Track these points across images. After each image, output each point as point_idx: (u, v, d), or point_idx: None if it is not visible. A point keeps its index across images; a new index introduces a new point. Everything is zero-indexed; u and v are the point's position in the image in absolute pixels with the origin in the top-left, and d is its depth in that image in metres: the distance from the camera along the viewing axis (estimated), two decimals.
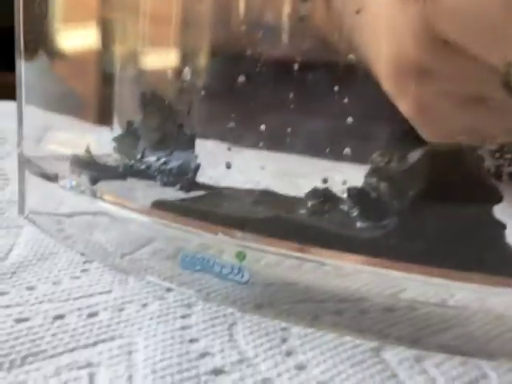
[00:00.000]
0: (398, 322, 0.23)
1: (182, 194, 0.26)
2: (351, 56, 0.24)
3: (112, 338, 0.20)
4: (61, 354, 0.19)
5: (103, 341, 0.20)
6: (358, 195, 0.23)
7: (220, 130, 0.27)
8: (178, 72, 0.28)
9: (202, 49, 0.29)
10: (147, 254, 0.26)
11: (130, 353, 0.20)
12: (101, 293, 0.23)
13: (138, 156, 0.28)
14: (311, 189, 0.24)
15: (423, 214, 0.21)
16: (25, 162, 0.31)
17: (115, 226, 0.27)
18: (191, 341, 0.21)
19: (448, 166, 0.21)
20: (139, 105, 0.28)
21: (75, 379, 0.18)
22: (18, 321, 0.21)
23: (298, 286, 0.24)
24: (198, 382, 0.18)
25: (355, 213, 0.23)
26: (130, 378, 0.18)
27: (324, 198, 0.24)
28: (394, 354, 0.21)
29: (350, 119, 0.24)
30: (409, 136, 0.24)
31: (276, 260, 0.24)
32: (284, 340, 0.21)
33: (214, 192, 0.26)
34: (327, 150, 0.25)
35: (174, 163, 0.27)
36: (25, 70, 0.31)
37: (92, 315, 0.22)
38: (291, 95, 0.25)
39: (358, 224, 0.22)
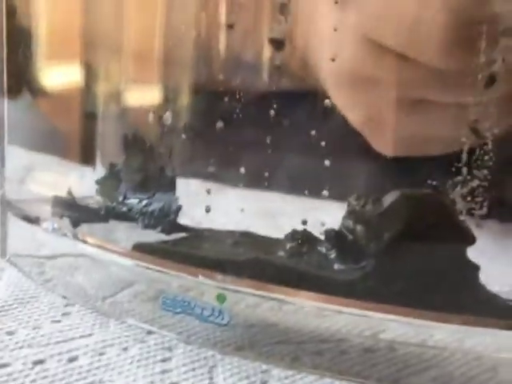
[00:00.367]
0: (378, 363, 0.23)
1: (163, 236, 0.27)
2: (327, 101, 0.24)
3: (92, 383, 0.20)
4: None
5: None
6: (335, 238, 0.23)
7: (201, 170, 0.27)
8: (160, 114, 0.28)
9: (184, 91, 0.29)
10: (128, 297, 0.26)
11: None
12: (81, 336, 0.23)
13: (120, 198, 0.28)
14: (290, 230, 0.25)
15: (399, 256, 0.21)
16: (7, 204, 0.31)
17: (96, 268, 0.28)
18: None
19: (422, 209, 0.21)
20: (121, 147, 0.29)
21: None
22: None
23: (279, 327, 0.24)
24: None
25: (333, 255, 0.23)
26: None
27: (302, 239, 0.24)
28: None
29: (327, 161, 0.24)
30: (384, 178, 0.24)
31: (256, 302, 0.24)
32: (264, 382, 0.21)
33: (195, 234, 0.26)
34: (306, 190, 0.26)
35: (156, 205, 0.27)
36: (7, 109, 0.31)
37: (72, 360, 0.22)
38: (270, 136, 0.26)
39: (336, 266, 0.23)
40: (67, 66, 0.33)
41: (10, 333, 0.23)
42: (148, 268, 0.25)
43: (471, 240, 0.21)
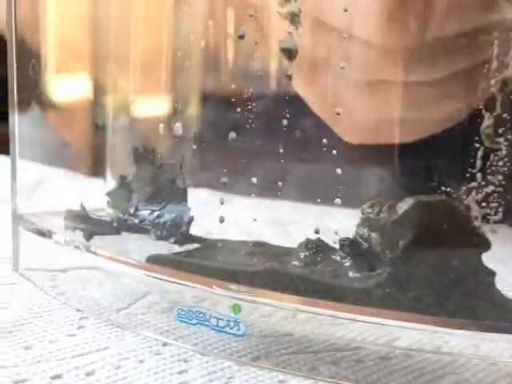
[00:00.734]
0: (395, 371, 0.23)
1: (176, 247, 0.27)
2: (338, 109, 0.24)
3: None
4: None
5: None
6: (349, 246, 0.23)
7: (213, 179, 0.27)
8: (170, 125, 0.28)
9: (194, 101, 0.29)
10: (143, 309, 0.26)
11: None
12: (97, 350, 0.23)
13: (132, 210, 0.28)
14: (304, 240, 0.25)
15: (414, 263, 0.21)
16: (18, 218, 0.31)
17: (110, 280, 0.28)
18: None
19: (436, 215, 0.21)
20: (132, 159, 0.29)
21: None
22: (16, 382, 0.21)
23: (294, 336, 0.24)
24: None
25: (347, 263, 0.23)
26: None
27: (316, 248, 0.24)
28: None
29: (339, 169, 0.24)
30: (398, 185, 0.24)
31: (271, 311, 0.24)
32: None
33: (208, 244, 0.26)
34: (318, 197, 0.26)
35: (168, 217, 0.27)
36: (18, 123, 0.32)
37: (89, 374, 0.22)
38: (282, 145, 0.26)
39: (351, 274, 0.23)
40: (76, 79, 0.33)
41: (26, 347, 0.23)
42: (161, 279, 0.25)
43: (486, 246, 0.21)
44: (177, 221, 0.27)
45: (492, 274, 0.21)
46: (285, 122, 0.25)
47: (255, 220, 0.26)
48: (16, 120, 0.32)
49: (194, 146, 0.28)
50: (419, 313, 0.22)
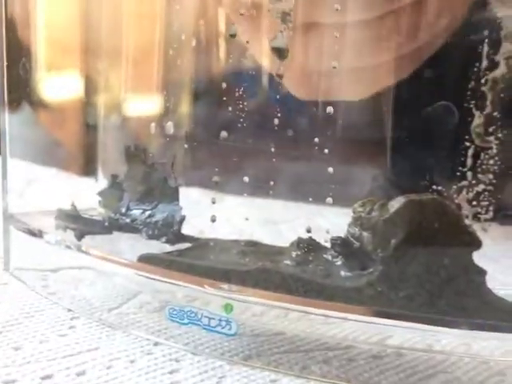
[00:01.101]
0: (386, 370, 0.23)
1: (167, 247, 0.27)
2: (330, 108, 0.24)
3: None
4: None
5: None
6: (340, 245, 0.23)
7: (204, 178, 0.27)
8: (161, 124, 0.28)
9: (185, 100, 0.29)
10: (134, 308, 0.26)
11: None
12: (88, 350, 0.23)
13: (123, 210, 0.28)
14: (295, 239, 0.25)
15: (406, 261, 0.21)
16: (9, 218, 0.31)
17: (101, 279, 0.28)
18: None
19: (427, 214, 0.21)
20: (123, 158, 0.29)
21: None
22: (6, 383, 0.21)
23: (286, 335, 0.24)
24: None
25: (339, 262, 0.23)
26: None
27: (308, 247, 0.24)
28: None
29: (330, 168, 0.24)
30: (389, 184, 0.24)
31: (262, 310, 0.24)
32: None
33: (199, 244, 0.26)
34: (310, 196, 0.26)
35: (159, 216, 0.27)
36: (9, 122, 0.31)
37: (80, 374, 0.22)
38: (273, 144, 0.26)
39: (343, 273, 0.23)
40: (67, 77, 0.33)
41: (16, 348, 0.23)
42: (153, 279, 0.25)
43: (477, 244, 0.21)
44: (168, 220, 0.27)
45: (483, 272, 0.21)
46: (276, 121, 0.25)
47: (247, 219, 0.26)
48: (6, 119, 0.31)
49: (186, 145, 0.28)
50: (411, 311, 0.21)
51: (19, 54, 0.31)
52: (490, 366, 0.23)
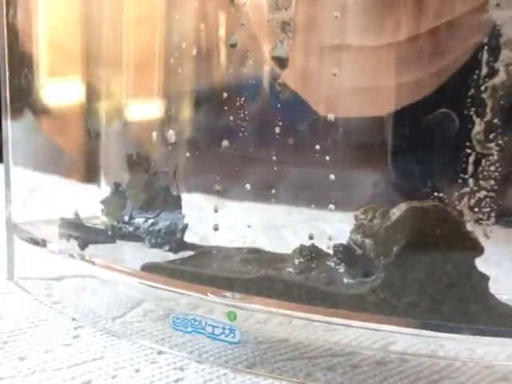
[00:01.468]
0: (391, 376, 0.23)
1: (170, 255, 0.27)
2: (330, 115, 0.24)
3: None
4: None
5: None
6: (343, 252, 0.23)
7: (206, 186, 0.27)
8: (163, 132, 0.28)
9: (187, 108, 0.29)
10: (138, 317, 0.26)
11: None
12: (93, 359, 0.23)
13: (126, 218, 0.28)
14: (298, 246, 0.25)
15: (408, 268, 0.21)
16: (13, 227, 0.31)
17: (105, 288, 0.28)
18: None
19: (429, 221, 0.21)
20: (126, 166, 0.29)
21: None
22: None
23: (289, 342, 0.24)
24: None
25: (341, 269, 0.23)
26: None
27: (311, 255, 0.24)
28: None
29: (332, 175, 0.24)
30: (391, 191, 0.24)
31: (266, 317, 0.24)
32: None
33: (202, 252, 0.26)
34: (313, 203, 0.26)
35: (162, 224, 0.27)
36: (11, 131, 0.32)
37: None
38: (275, 152, 0.26)
39: (345, 280, 0.23)
40: (69, 85, 0.33)
41: (21, 358, 0.23)
42: (156, 287, 0.25)
43: (479, 250, 0.21)
44: (171, 228, 0.27)
45: (485, 278, 0.21)
46: (277, 128, 0.25)
47: (249, 227, 0.26)
48: (9, 127, 0.32)
49: (188, 154, 0.28)
50: (414, 317, 0.22)
51: (21, 63, 0.31)
52: (494, 371, 0.23)
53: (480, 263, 0.22)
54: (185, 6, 0.27)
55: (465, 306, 0.21)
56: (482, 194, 0.21)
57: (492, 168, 0.21)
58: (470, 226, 0.21)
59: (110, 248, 0.28)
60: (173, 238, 0.27)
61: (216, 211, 0.25)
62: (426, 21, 0.22)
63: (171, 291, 0.25)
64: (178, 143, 0.28)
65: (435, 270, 0.21)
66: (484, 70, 0.20)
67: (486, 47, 0.20)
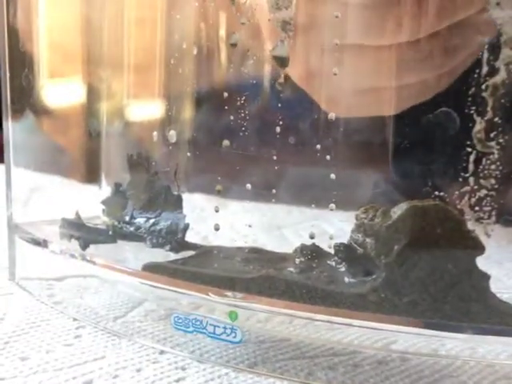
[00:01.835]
0: (392, 375, 0.23)
1: (172, 254, 0.27)
2: (331, 114, 0.24)
3: None
4: None
5: None
6: (344, 251, 0.23)
7: (208, 186, 0.27)
8: (164, 133, 0.28)
9: (187, 108, 0.29)
10: (139, 316, 0.26)
11: None
12: (95, 359, 0.23)
13: (127, 218, 0.28)
14: (299, 245, 0.25)
15: (409, 267, 0.21)
16: (14, 227, 0.31)
17: (106, 288, 0.28)
18: None
19: (430, 220, 0.21)
20: (126, 166, 0.29)
21: None
22: None
23: (291, 341, 0.24)
24: None
25: (342, 268, 0.23)
26: None
27: (311, 254, 0.24)
28: None
29: (332, 174, 0.24)
30: (391, 190, 0.24)
31: (267, 317, 0.24)
32: None
33: (204, 251, 0.26)
34: (313, 201, 0.26)
35: (163, 224, 0.27)
36: (12, 131, 0.32)
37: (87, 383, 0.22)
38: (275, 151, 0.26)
39: (346, 279, 0.23)
40: (70, 86, 0.33)
41: (23, 358, 0.23)
42: (157, 287, 0.25)
43: (480, 249, 0.21)
44: (172, 228, 0.27)
45: (486, 277, 0.21)
46: (278, 128, 0.25)
47: (250, 226, 0.26)
48: (10, 128, 0.32)
49: (189, 153, 0.28)
50: (415, 316, 0.22)
51: (22, 63, 0.31)
52: (495, 370, 0.23)
53: (482, 262, 0.22)
54: (185, 6, 0.27)
55: (466, 305, 0.21)
56: (483, 192, 0.21)
57: (493, 167, 0.21)
58: (470, 225, 0.21)
59: (111, 248, 0.28)
60: (174, 238, 0.27)
61: (217, 211, 0.25)
62: (434, 22, 0.22)
63: (172, 291, 0.25)
64: (179, 143, 0.28)
65: (436, 269, 0.21)
66: (485, 69, 0.20)
67: (486, 46, 0.20)
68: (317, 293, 0.23)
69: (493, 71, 0.20)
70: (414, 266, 0.21)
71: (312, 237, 0.25)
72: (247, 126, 0.25)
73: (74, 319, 0.27)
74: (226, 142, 0.25)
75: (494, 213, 0.21)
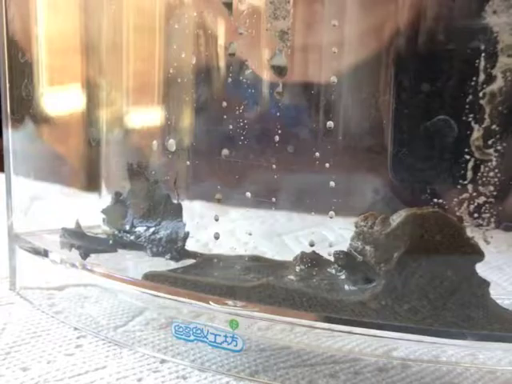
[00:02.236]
0: (393, 382, 0.23)
1: (172, 263, 0.27)
2: (330, 122, 0.24)
3: None
4: None
5: None
6: (344, 259, 0.23)
7: (207, 193, 0.27)
8: (164, 142, 0.28)
9: (187, 117, 0.29)
10: (140, 325, 0.27)
11: None
12: (96, 369, 0.23)
13: (127, 227, 0.28)
14: (299, 253, 0.25)
15: (409, 274, 0.21)
16: (14, 237, 0.31)
17: (106, 297, 0.28)
18: None
19: (429, 227, 0.21)
20: (126, 175, 0.29)
21: None
22: None
23: (292, 349, 0.24)
24: None
25: (342, 276, 0.23)
26: None
27: (311, 262, 0.24)
28: None
29: (332, 182, 0.25)
30: (390, 198, 0.24)
31: (267, 325, 0.24)
32: None
33: (204, 260, 0.27)
34: (313, 209, 0.26)
35: (163, 233, 0.27)
36: (12, 140, 0.32)
37: None
38: (274, 158, 0.26)
39: (346, 287, 0.23)
40: (69, 94, 0.33)
41: (24, 368, 0.23)
42: (158, 296, 0.25)
43: (480, 256, 0.21)
44: (172, 237, 0.27)
45: (486, 283, 0.21)
46: (277, 137, 0.25)
47: (250, 234, 0.26)
48: (10, 137, 0.32)
49: (188, 162, 0.28)
50: (415, 323, 0.22)
51: (21, 73, 0.31)
52: (496, 376, 0.23)
53: (482, 267, 0.22)
54: (184, 15, 0.27)
55: (466, 312, 0.21)
56: (482, 199, 0.21)
57: (491, 174, 0.21)
58: (469, 232, 0.21)
59: (111, 257, 0.28)
60: (174, 247, 0.27)
61: (217, 220, 0.25)
62: None
63: (173, 300, 0.25)
64: (178, 152, 0.28)
65: (436, 276, 0.21)
66: (482, 77, 0.20)
67: (483, 54, 0.20)
68: (317, 300, 0.23)
69: (490, 79, 0.20)
70: (414, 273, 0.21)
71: (312, 244, 0.25)
72: (246, 135, 0.25)
73: (75, 329, 0.27)
74: (225, 151, 0.25)
75: (492, 219, 0.21)
